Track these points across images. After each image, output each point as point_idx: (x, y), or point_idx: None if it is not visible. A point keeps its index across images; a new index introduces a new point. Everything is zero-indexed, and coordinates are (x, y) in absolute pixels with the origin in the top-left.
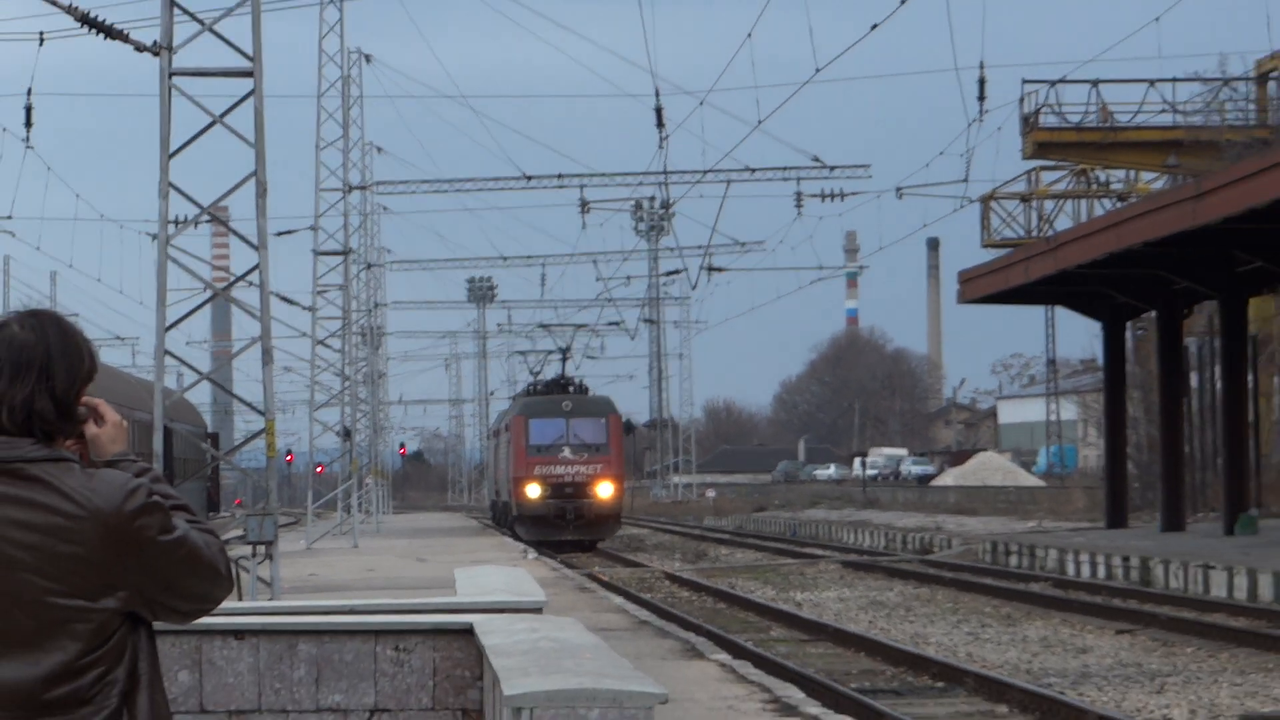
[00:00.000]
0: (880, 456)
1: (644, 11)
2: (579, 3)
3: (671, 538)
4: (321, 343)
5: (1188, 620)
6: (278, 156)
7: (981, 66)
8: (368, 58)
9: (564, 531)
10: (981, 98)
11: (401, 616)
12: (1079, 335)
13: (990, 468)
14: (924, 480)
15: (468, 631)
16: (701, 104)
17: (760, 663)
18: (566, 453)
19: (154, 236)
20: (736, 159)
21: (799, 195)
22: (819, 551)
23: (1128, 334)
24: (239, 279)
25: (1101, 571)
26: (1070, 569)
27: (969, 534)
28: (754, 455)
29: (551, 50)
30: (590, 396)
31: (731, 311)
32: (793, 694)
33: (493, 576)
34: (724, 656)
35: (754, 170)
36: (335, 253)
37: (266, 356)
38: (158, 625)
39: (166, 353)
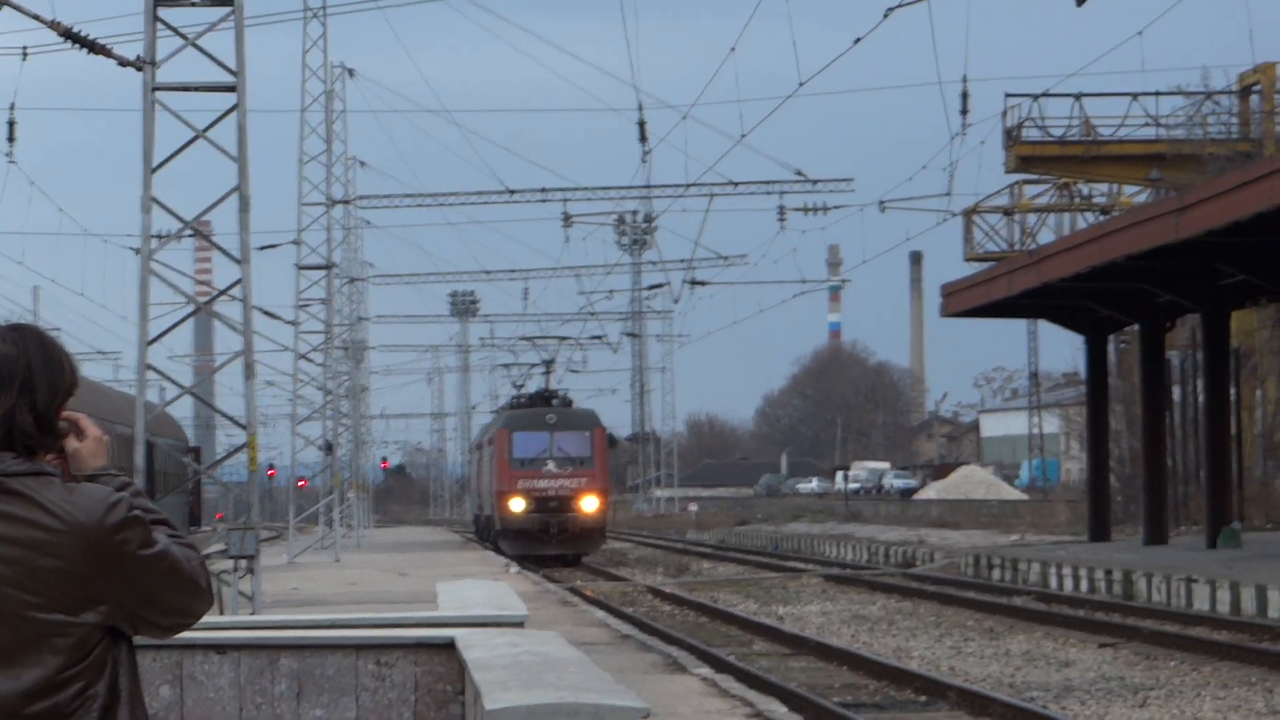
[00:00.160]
0: (863, 470)
1: (627, 26)
2: (562, 17)
3: (654, 552)
4: (304, 357)
5: (1171, 634)
6: (261, 171)
7: (964, 80)
8: (351, 72)
9: (548, 546)
10: (964, 111)
11: (383, 631)
12: (1062, 348)
13: (973, 481)
14: (906, 494)
15: (449, 646)
16: (685, 118)
17: (743, 677)
18: (551, 466)
19: (137, 251)
20: (719, 173)
21: (782, 209)
22: (801, 565)
23: (1110, 347)
24: (222, 293)
25: (1084, 585)
26: (1053, 582)
27: (952, 547)
28: (736, 469)
29: (534, 64)
30: (574, 410)
31: (714, 325)
32: (775, 708)
33: (474, 591)
34: (706, 671)
35: (737, 184)
36: (318, 267)
37: (249, 371)
38: (138, 640)
39: (149, 367)
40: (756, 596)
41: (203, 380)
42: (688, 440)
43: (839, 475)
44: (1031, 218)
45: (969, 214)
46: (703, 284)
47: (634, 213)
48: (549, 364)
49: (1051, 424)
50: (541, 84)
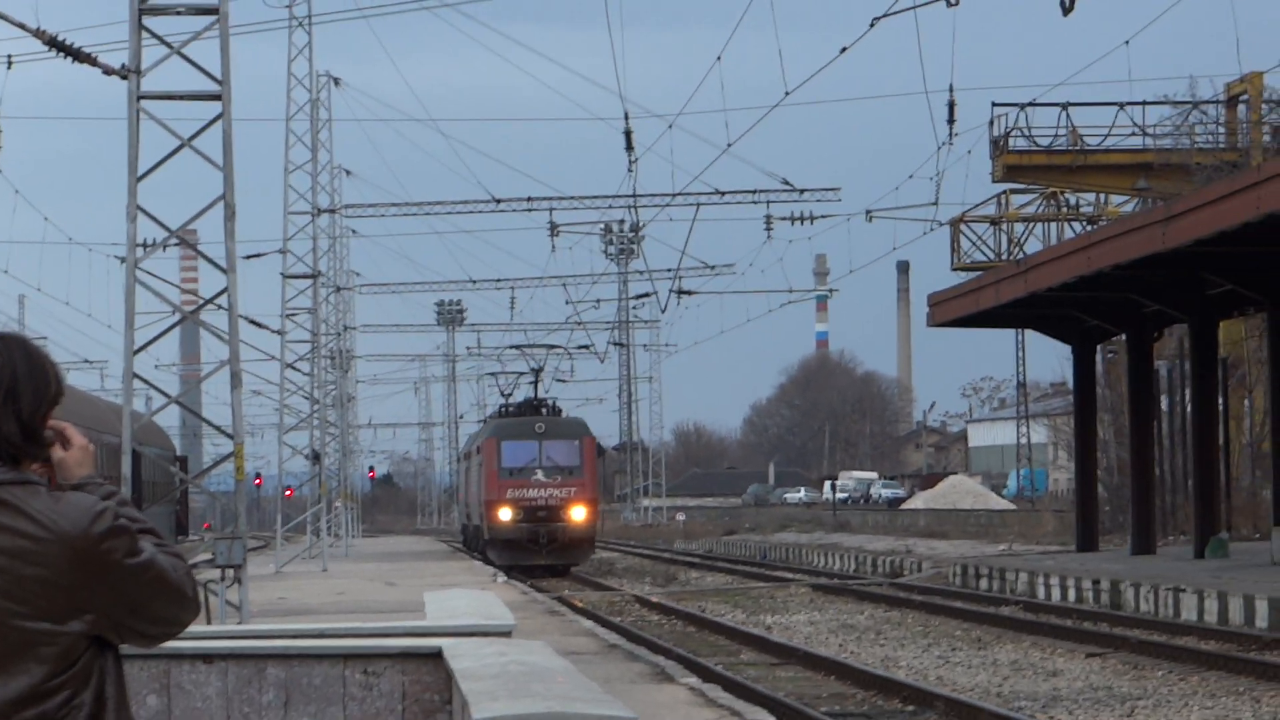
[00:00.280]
0: (850, 480)
1: (613, 35)
2: (548, 26)
3: (641, 561)
4: (290, 366)
5: (1158, 643)
6: (246, 180)
7: (951, 89)
8: (336, 81)
9: (537, 556)
10: (951, 121)
11: (370, 640)
12: (1049, 358)
13: (960, 491)
14: (894, 503)
15: (436, 655)
16: (671, 127)
17: (730, 686)
18: (539, 475)
19: (122, 260)
20: (706, 182)
21: (769, 218)
22: (789, 575)
23: (1098, 357)
24: (207, 302)
25: (1072, 595)
26: (1041, 592)
27: (939, 557)
28: (724, 478)
29: (520, 73)
30: (564, 418)
31: (701, 334)
32: (762, 718)
33: (462, 600)
34: (694, 680)
35: (723, 193)
36: (304, 276)
37: (235, 380)
38: (125, 649)
39: (135, 376)
40: (744, 606)
41: (189, 389)
42: (675, 450)
43: (826, 485)
44: (1019, 227)
45: (956, 223)
46: (690, 293)
47: (620, 222)
48: (537, 372)
49: (1039, 434)
50: (528, 93)
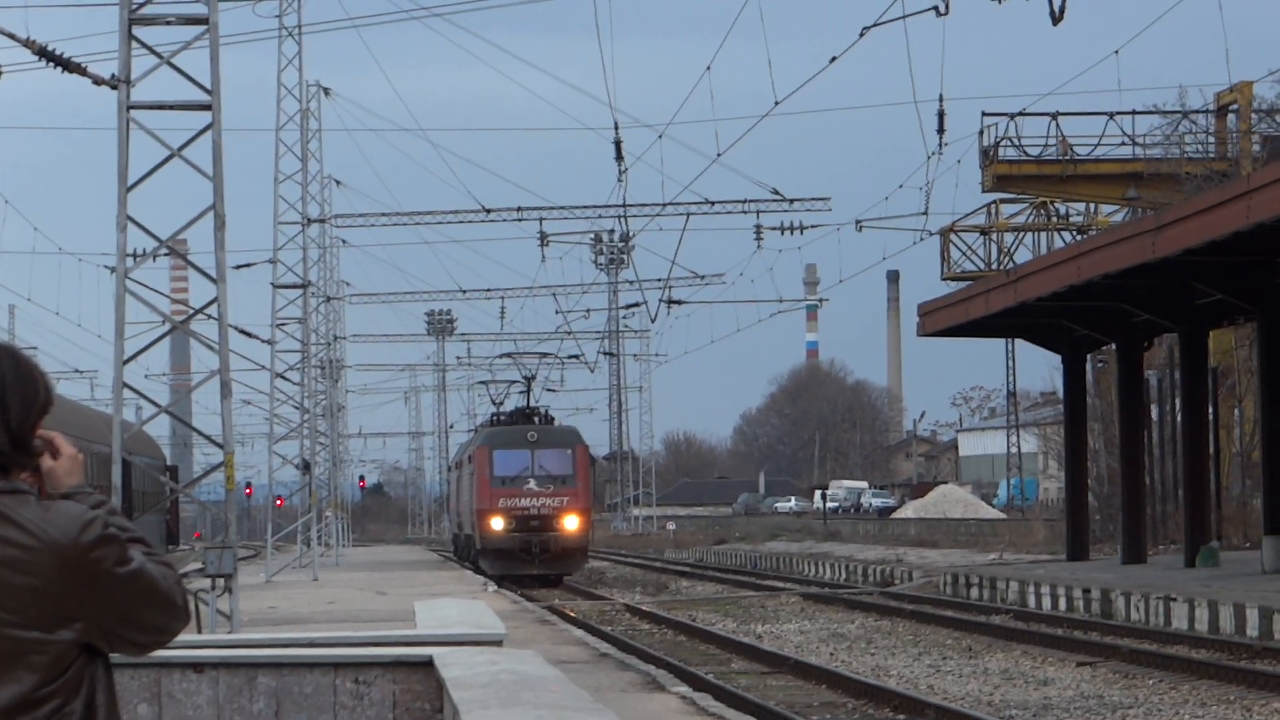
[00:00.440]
0: (841, 489)
1: (603, 45)
2: (538, 36)
3: (632, 570)
4: (280, 376)
5: (1149, 652)
6: (236, 190)
7: (941, 99)
8: (326, 91)
9: (530, 566)
10: (941, 130)
11: (361, 649)
12: (1039, 367)
13: (951, 500)
14: (884, 513)
15: (427, 664)
16: (661, 137)
17: (721, 695)
18: (532, 484)
19: (112, 269)
20: (696, 192)
21: (759, 228)
22: (780, 584)
23: (1088, 366)
24: (198, 312)
25: (1062, 604)
26: (1031, 601)
27: (930, 566)
28: (714, 488)
29: (510, 83)
30: (556, 427)
31: (691, 344)
32: None
33: (453, 609)
34: (685, 689)
35: (713, 203)
36: (294, 286)
37: (225, 390)
38: (117, 658)
39: (125, 385)
40: (735, 615)
41: (179, 399)
42: (665, 459)
43: (817, 494)
44: (1008, 237)
45: (946, 233)
46: (680, 303)
47: (610, 232)
48: (529, 381)
49: (1029, 443)
50: (518, 103)
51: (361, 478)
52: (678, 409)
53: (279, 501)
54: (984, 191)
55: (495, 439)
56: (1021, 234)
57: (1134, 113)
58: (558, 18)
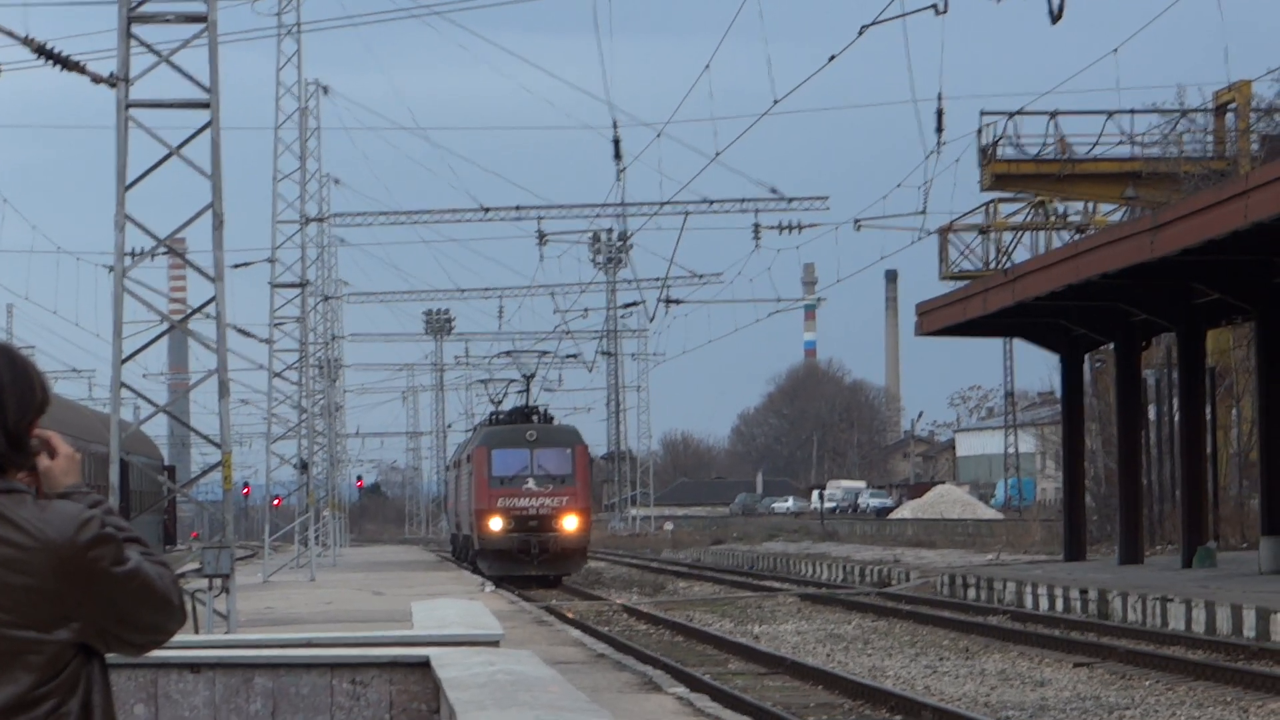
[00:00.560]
0: (838, 489)
1: (602, 44)
2: (536, 35)
3: (629, 571)
4: (278, 375)
5: (1146, 653)
6: (234, 188)
7: (939, 98)
8: (325, 89)
9: (528, 566)
10: (939, 129)
11: (358, 650)
12: (1037, 367)
13: (948, 500)
14: (882, 513)
15: (424, 664)
16: (659, 136)
17: (718, 696)
18: (531, 484)
19: (110, 269)
20: (694, 191)
21: (757, 227)
22: (777, 584)
23: (1086, 366)
24: (195, 311)
25: (1059, 604)
26: (1028, 601)
27: (927, 567)
28: (712, 488)
29: (509, 82)
30: (555, 426)
31: (689, 344)
32: None
33: (450, 610)
34: (681, 690)
35: (712, 202)
36: (292, 285)
37: (223, 389)
38: (113, 658)
39: (123, 385)
40: (732, 616)
41: (177, 399)
42: (663, 459)
43: (814, 494)
44: (1007, 236)
45: (944, 232)
46: (678, 302)
47: (609, 231)
48: (528, 379)
49: (1027, 443)
50: (516, 101)
51: (359, 477)
52: (676, 409)
53: (276, 501)
54: (982, 190)
55: (494, 438)
56: (1020, 233)
57: (1132, 112)
58: (557, 16)
